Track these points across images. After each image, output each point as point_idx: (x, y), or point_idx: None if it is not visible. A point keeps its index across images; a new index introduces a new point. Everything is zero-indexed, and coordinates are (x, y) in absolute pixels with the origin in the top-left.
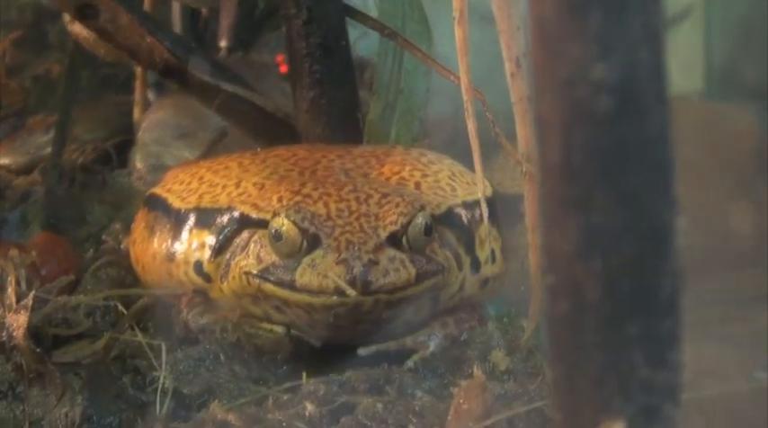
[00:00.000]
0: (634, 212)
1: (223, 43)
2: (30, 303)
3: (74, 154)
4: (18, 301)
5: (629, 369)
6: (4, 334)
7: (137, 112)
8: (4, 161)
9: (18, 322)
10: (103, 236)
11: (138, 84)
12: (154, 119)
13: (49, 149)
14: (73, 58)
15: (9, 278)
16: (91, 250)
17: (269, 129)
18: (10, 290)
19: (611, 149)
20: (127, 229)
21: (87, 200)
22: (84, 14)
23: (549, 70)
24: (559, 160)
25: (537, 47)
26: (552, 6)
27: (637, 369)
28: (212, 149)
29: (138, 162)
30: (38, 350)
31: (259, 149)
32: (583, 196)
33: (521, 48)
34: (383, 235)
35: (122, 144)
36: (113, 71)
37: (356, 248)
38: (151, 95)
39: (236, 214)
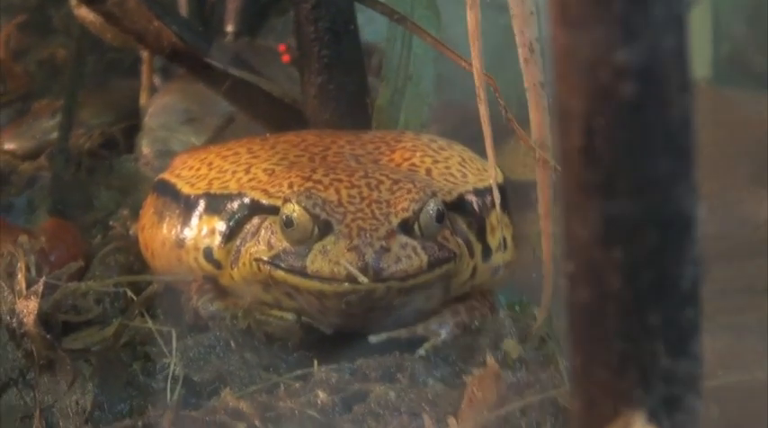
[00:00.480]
0: (656, 199)
1: (229, 28)
2: (40, 289)
3: (80, 139)
4: (28, 287)
5: (650, 358)
6: (14, 320)
7: (143, 97)
8: (11, 146)
9: (28, 308)
10: (111, 222)
11: (144, 69)
12: (160, 104)
13: (55, 134)
14: (79, 43)
15: (19, 264)
16: (99, 236)
17: (276, 115)
18: (20, 276)
19: (633, 134)
20: (134, 215)
21: (94, 186)
22: None
23: (570, 54)
24: (581, 145)
25: (558, 30)
26: None
27: (657, 358)
28: (219, 135)
29: (145, 147)
30: (48, 336)
31: (268, 135)
32: (604, 182)
33: (534, 33)
34: (395, 221)
35: (129, 129)
36: (119, 55)
37: (368, 235)
38: (157, 80)
39: (246, 200)
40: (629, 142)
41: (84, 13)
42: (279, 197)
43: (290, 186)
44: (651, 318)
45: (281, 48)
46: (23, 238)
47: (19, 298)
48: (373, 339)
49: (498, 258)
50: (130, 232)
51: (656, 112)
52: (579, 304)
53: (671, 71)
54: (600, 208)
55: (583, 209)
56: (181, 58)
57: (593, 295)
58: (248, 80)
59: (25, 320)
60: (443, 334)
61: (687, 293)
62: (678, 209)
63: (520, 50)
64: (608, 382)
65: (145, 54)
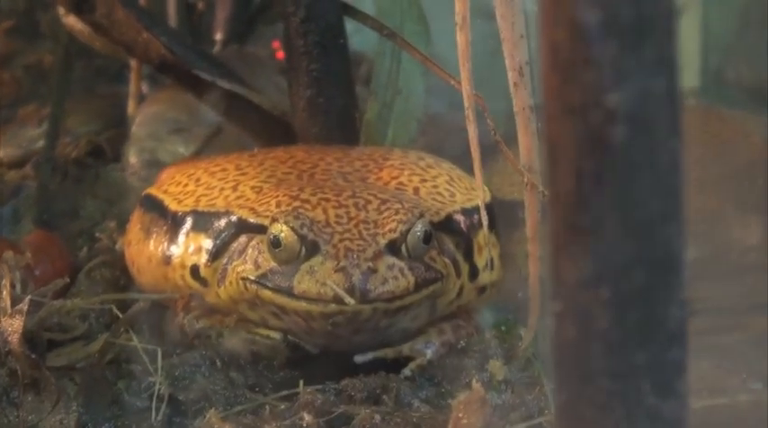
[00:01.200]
0: (644, 240)
1: (218, 36)
2: (25, 308)
3: (67, 147)
4: (13, 305)
5: (636, 397)
6: None
7: (131, 105)
8: None
9: (13, 327)
10: (97, 234)
11: (132, 76)
12: (148, 113)
13: (41, 142)
14: (66, 50)
15: (3, 281)
16: (84, 248)
17: (265, 127)
18: (5, 293)
19: (622, 177)
20: (121, 227)
21: (80, 195)
22: (80, 8)
23: (561, 96)
24: (570, 187)
25: (549, 72)
26: (566, 32)
27: (643, 397)
28: (207, 145)
29: (132, 156)
30: (33, 356)
31: (256, 150)
32: (593, 223)
33: (524, 57)
34: (382, 242)
35: (116, 137)
36: (107, 62)
37: (355, 256)
38: (145, 87)
39: (233, 218)
40: (619, 185)
41: (73, 22)
42: (266, 216)
43: (278, 205)
44: (638, 358)
45: (275, 44)
46: (9, 254)
47: (3, 317)
48: (359, 358)
49: (485, 278)
50: (117, 246)
51: (645, 155)
52: (566, 342)
53: (661, 114)
54: (588, 249)
55: (571, 250)
56: (170, 70)
57: (580, 334)
58: (238, 92)
59: (10, 339)
60: (429, 353)
61: (674, 334)
62: (666, 251)
63: (509, 74)
64: (593, 420)
65: (133, 61)
